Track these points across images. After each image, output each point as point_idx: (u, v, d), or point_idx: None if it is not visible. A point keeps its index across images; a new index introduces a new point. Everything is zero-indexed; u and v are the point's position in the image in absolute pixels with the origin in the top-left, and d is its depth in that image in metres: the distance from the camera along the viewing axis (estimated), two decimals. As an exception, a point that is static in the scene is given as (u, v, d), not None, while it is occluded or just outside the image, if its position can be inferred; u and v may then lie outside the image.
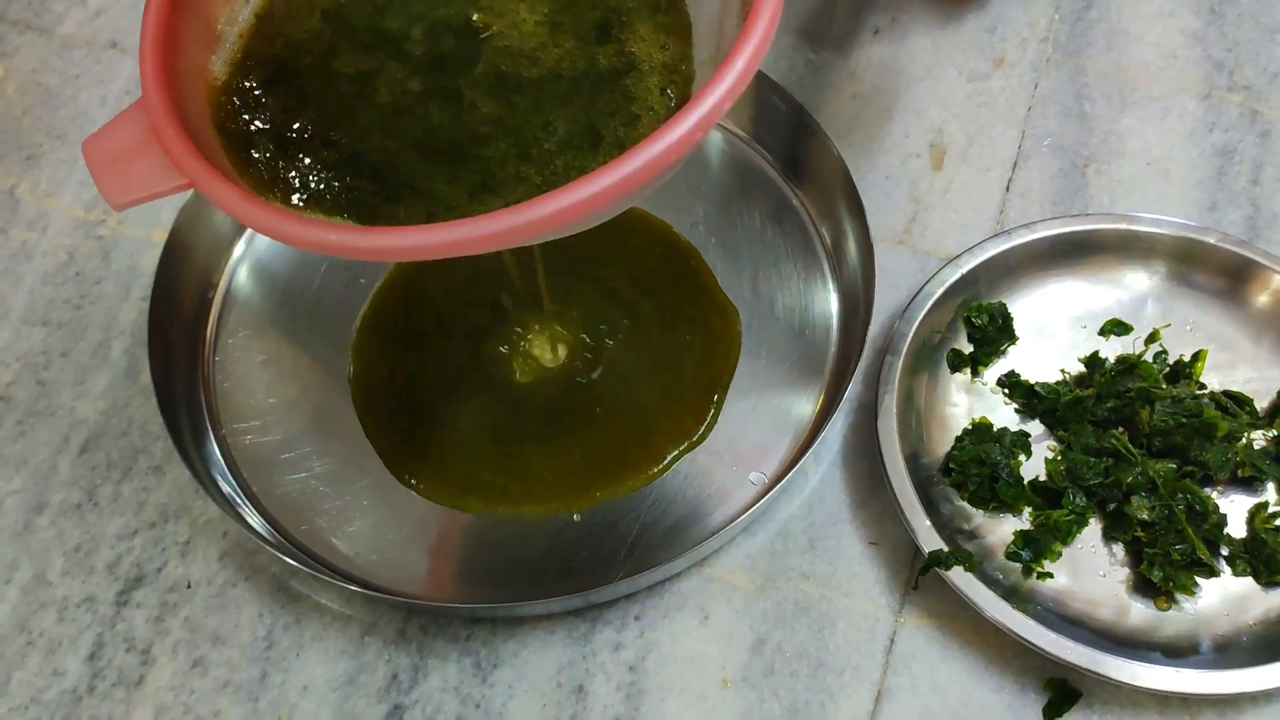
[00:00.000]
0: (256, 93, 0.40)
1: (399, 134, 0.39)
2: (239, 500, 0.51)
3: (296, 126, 0.39)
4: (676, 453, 0.53)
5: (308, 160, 0.39)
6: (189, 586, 0.50)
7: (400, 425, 0.54)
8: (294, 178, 0.38)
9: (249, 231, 0.58)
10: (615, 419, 0.54)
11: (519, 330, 0.56)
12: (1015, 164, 0.60)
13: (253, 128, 0.39)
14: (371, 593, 0.48)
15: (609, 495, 0.52)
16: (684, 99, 0.39)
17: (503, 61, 0.40)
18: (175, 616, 0.50)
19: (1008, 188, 0.59)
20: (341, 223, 0.37)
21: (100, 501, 0.53)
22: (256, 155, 0.39)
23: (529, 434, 0.53)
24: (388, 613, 0.50)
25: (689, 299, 0.56)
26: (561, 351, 0.55)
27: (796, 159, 0.59)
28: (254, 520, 0.51)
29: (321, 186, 0.38)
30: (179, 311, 0.55)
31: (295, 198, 0.38)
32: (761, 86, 0.58)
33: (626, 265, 0.57)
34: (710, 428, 0.53)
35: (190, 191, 0.54)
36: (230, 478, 0.52)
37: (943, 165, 0.60)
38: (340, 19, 0.42)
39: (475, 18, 0.41)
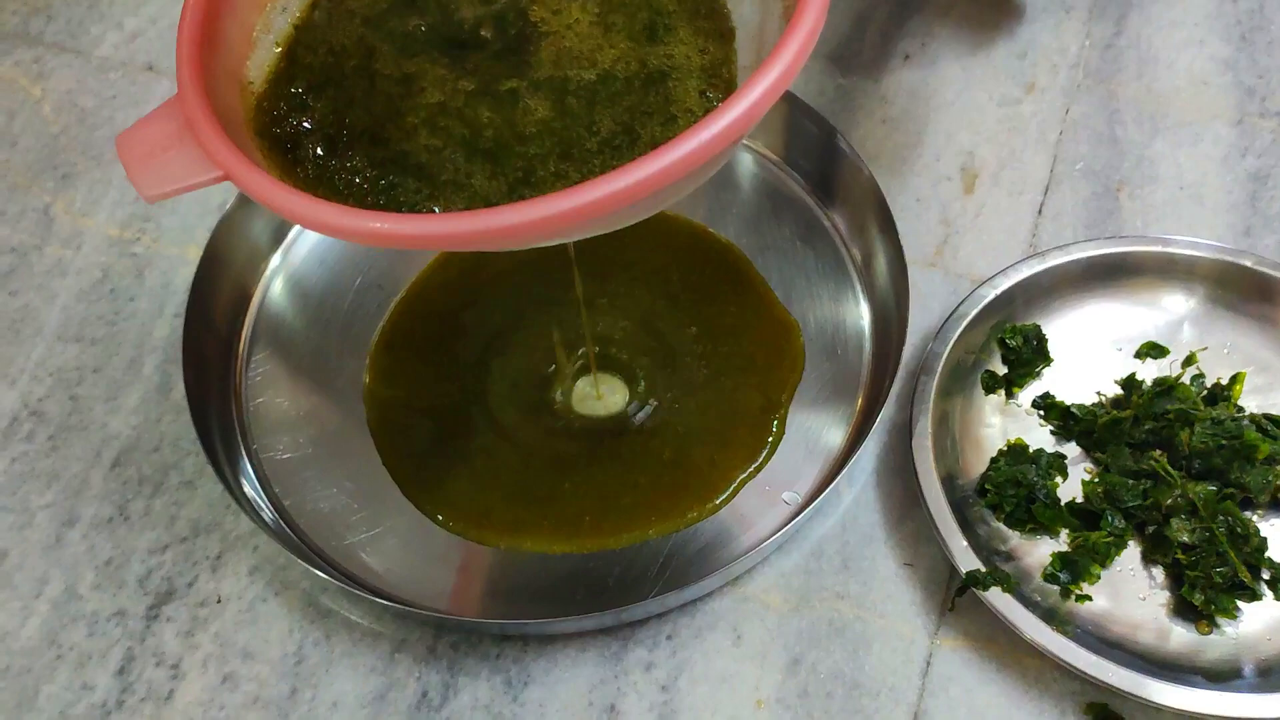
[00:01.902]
0: (300, 96, 0.40)
1: (445, 133, 0.39)
2: (270, 515, 0.51)
3: (341, 128, 0.40)
4: (743, 477, 0.52)
5: (353, 160, 0.39)
6: (219, 601, 0.50)
7: (418, 452, 0.53)
8: (338, 178, 0.39)
9: (283, 248, 0.59)
10: (670, 448, 0.52)
11: (555, 350, 0.55)
12: (1047, 187, 0.60)
13: (296, 131, 0.40)
14: (402, 607, 0.47)
15: (660, 532, 0.51)
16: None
17: (564, 63, 0.41)
18: (205, 631, 0.50)
19: (1040, 211, 0.59)
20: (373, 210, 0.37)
21: (131, 516, 0.52)
22: (301, 156, 0.39)
23: (567, 467, 0.52)
24: (418, 629, 0.49)
25: (747, 313, 0.56)
26: (608, 388, 0.54)
27: (828, 181, 0.59)
28: (284, 535, 0.51)
29: (365, 185, 0.38)
30: (213, 327, 0.55)
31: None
32: (793, 110, 0.58)
33: (678, 279, 0.57)
34: (774, 449, 0.52)
35: (225, 208, 0.56)
36: (262, 493, 0.52)
37: (974, 188, 0.60)
38: (385, 24, 0.42)
39: (532, 17, 0.42)
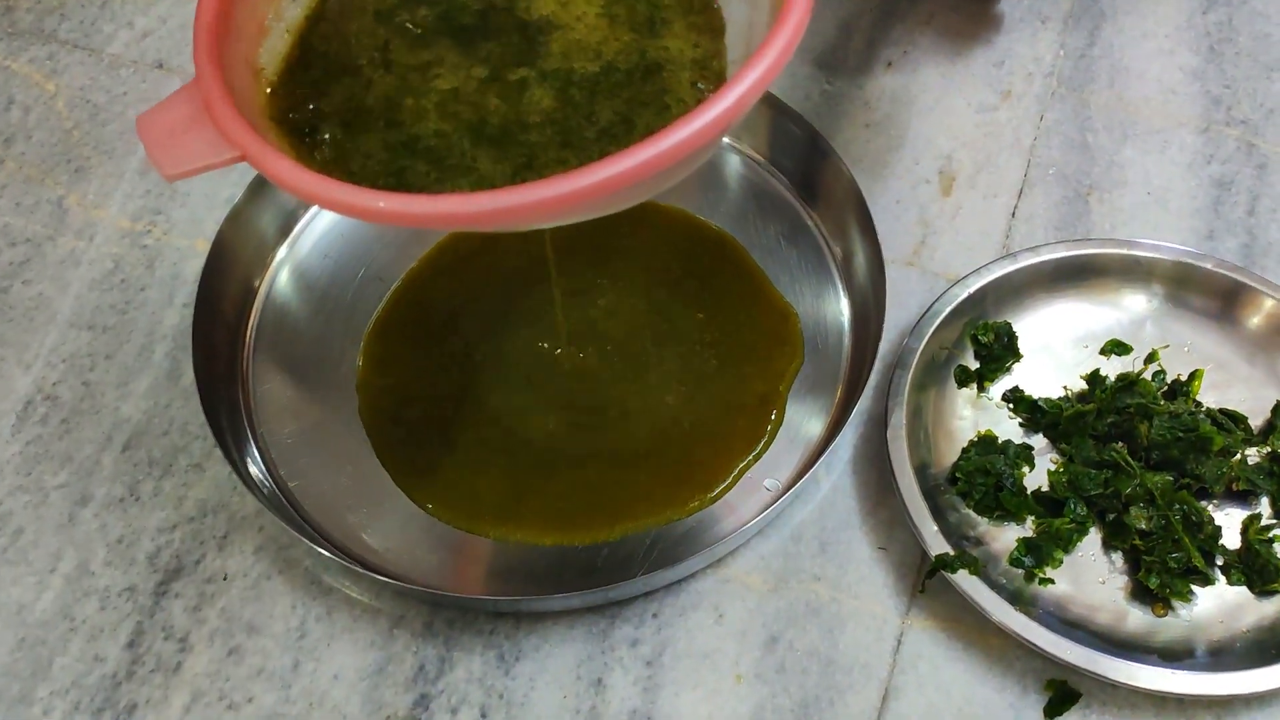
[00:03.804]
0: (314, 84, 0.42)
1: (454, 118, 0.41)
2: (275, 496, 0.54)
3: (353, 114, 0.41)
4: (743, 465, 0.54)
5: (365, 145, 0.41)
6: (226, 578, 0.53)
7: (408, 441, 0.55)
8: (351, 161, 0.40)
9: (289, 241, 0.61)
10: (671, 440, 0.54)
11: (542, 340, 0.57)
12: (1021, 191, 0.63)
13: (310, 116, 0.41)
14: (401, 584, 0.50)
15: (658, 523, 0.52)
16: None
17: (573, 54, 0.43)
18: (212, 606, 0.52)
19: (1013, 213, 0.62)
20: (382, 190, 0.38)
21: (142, 496, 0.55)
22: (315, 141, 0.41)
23: (560, 460, 0.54)
24: (415, 606, 0.52)
25: (747, 301, 0.58)
26: (593, 362, 0.56)
27: (811, 182, 0.61)
28: (289, 515, 0.53)
29: (377, 168, 0.40)
30: (221, 317, 0.58)
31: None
32: (779, 113, 0.61)
33: (678, 267, 0.59)
34: (772, 438, 0.54)
35: (234, 201, 0.58)
36: (267, 475, 0.54)
37: (951, 191, 0.63)
38: (397, 15, 0.44)
39: (542, 9, 0.44)
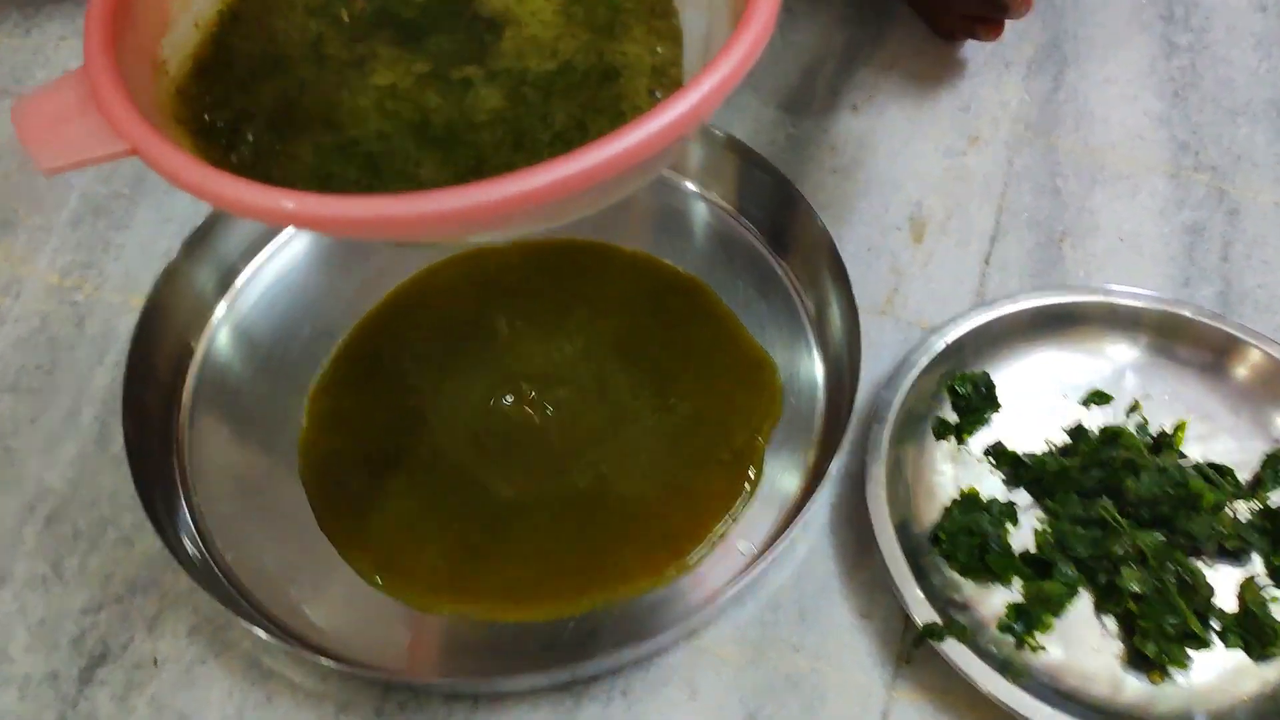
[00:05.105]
0: (229, 81, 0.39)
1: (394, 118, 0.38)
2: (210, 572, 0.50)
3: (275, 115, 0.38)
4: (720, 527, 0.51)
5: (289, 148, 0.37)
6: (156, 664, 0.48)
7: (356, 509, 0.51)
8: (273, 166, 0.37)
9: (229, 297, 0.58)
10: (643, 504, 0.51)
11: (500, 392, 0.54)
12: (994, 238, 0.61)
13: (226, 116, 0.38)
14: (347, 667, 0.46)
15: (631, 594, 0.49)
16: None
17: (526, 53, 0.40)
18: (141, 695, 0.48)
19: (987, 260, 0.60)
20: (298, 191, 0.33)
21: (66, 574, 0.51)
22: (232, 143, 0.37)
23: (523, 528, 0.51)
24: (364, 690, 0.48)
25: (718, 348, 0.55)
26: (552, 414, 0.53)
27: (781, 231, 0.59)
28: (226, 592, 0.49)
29: (302, 173, 0.37)
30: (155, 377, 0.54)
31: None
32: (746, 160, 0.59)
33: (649, 315, 0.56)
34: (752, 496, 0.52)
35: (171, 255, 0.55)
36: (203, 549, 0.50)
37: (923, 238, 0.61)
38: (329, 8, 0.41)
39: (498, 4, 0.41)
